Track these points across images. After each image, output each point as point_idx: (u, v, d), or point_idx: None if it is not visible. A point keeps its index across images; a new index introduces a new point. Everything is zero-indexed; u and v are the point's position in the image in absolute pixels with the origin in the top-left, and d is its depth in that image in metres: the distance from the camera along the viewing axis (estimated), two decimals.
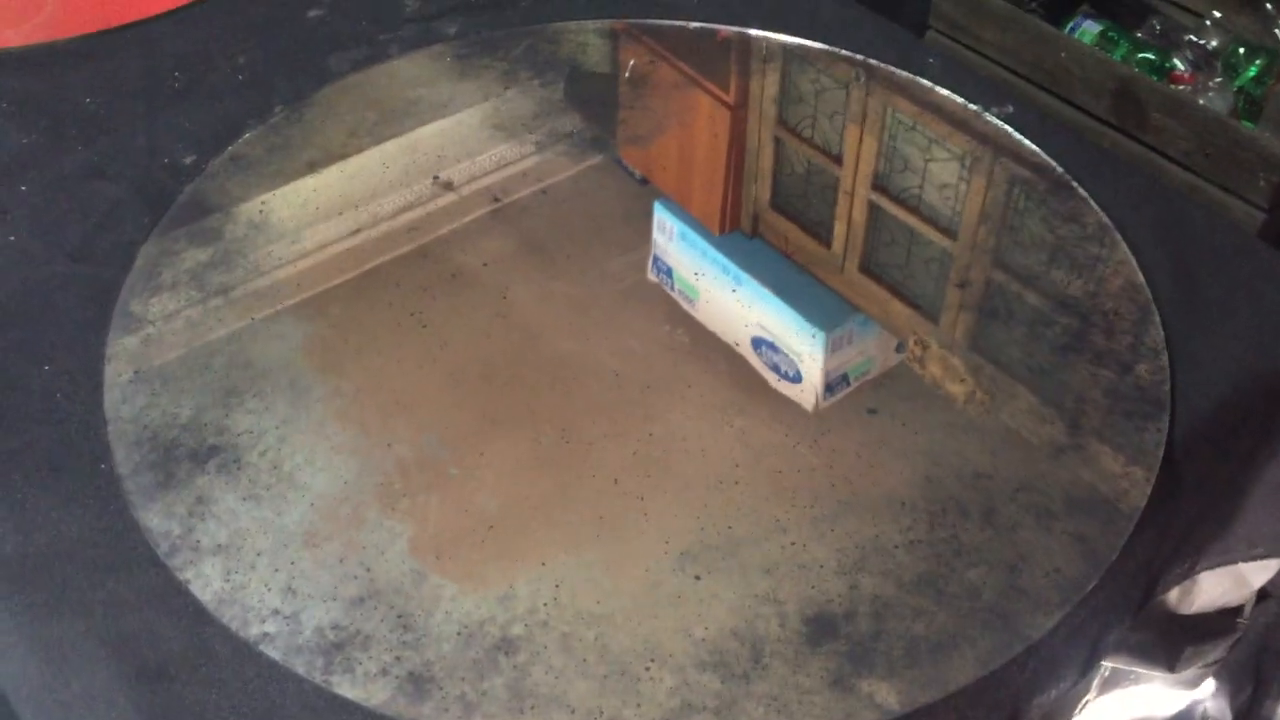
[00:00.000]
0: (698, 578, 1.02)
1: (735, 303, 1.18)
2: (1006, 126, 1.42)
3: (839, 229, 1.29)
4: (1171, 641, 1.46)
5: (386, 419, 1.14)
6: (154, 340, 1.20)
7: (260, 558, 1.02)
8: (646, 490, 1.08)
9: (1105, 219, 1.32)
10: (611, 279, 1.23)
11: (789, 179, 1.33)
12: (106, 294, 1.24)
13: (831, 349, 1.15)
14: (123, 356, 1.18)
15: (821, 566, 1.03)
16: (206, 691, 0.94)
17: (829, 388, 1.15)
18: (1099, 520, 1.07)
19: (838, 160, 1.34)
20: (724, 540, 1.05)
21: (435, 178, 1.26)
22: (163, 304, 1.23)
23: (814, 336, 1.15)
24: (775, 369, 1.14)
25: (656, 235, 1.24)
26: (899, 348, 1.20)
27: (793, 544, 1.05)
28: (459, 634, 0.98)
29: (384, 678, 0.95)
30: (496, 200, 1.24)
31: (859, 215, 1.30)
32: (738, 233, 1.27)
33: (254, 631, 0.97)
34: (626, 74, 1.47)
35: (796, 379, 1.13)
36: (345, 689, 0.94)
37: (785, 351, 1.14)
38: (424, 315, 1.22)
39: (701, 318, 1.19)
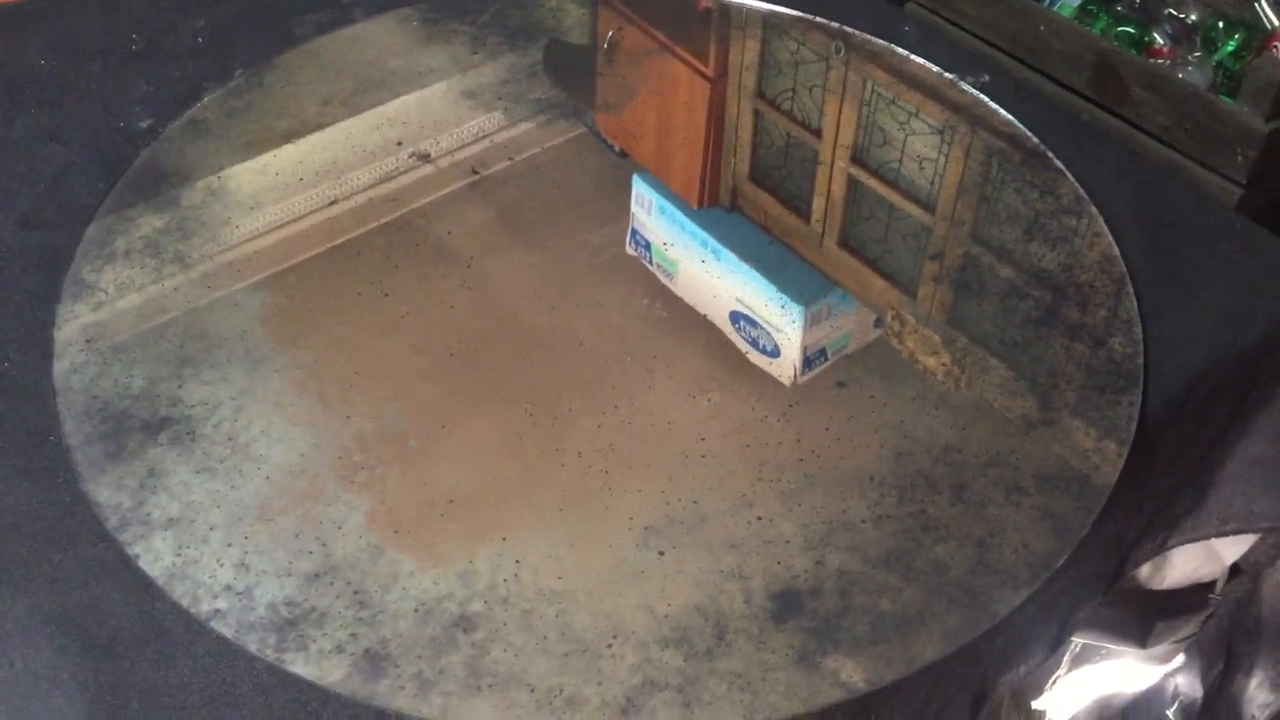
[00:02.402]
0: (661, 553, 1.00)
1: (713, 277, 1.16)
2: (984, 97, 1.39)
3: (818, 203, 1.27)
4: (1143, 617, 1.45)
5: (346, 391, 1.11)
6: (106, 309, 1.17)
7: (213, 532, 1.00)
8: (612, 465, 1.06)
9: (1081, 192, 1.30)
10: (589, 252, 1.20)
11: (768, 152, 1.31)
12: (57, 261, 1.21)
13: (810, 323, 1.13)
14: (74, 326, 1.15)
15: (788, 542, 1.01)
16: (155, 670, 0.91)
17: (807, 362, 1.13)
18: (1070, 496, 1.05)
19: (817, 133, 1.31)
20: (689, 516, 1.03)
21: (412, 152, 1.23)
22: (116, 272, 1.20)
23: (792, 311, 1.13)
24: (753, 344, 1.12)
25: (635, 208, 1.22)
26: (877, 323, 1.18)
27: (759, 519, 1.03)
28: (416, 611, 0.95)
29: (339, 655, 0.92)
30: (475, 173, 1.21)
31: (838, 189, 1.28)
32: (717, 206, 1.25)
33: (205, 608, 0.95)
34: (604, 43, 1.44)
35: (774, 353, 1.11)
36: (299, 667, 0.92)
37: (763, 326, 1.12)
38: (388, 286, 1.19)
39: (680, 292, 1.16)
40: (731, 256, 1.16)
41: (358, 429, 1.08)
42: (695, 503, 1.04)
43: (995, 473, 1.07)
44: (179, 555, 0.98)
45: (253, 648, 0.93)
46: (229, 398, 1.10)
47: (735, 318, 1.12)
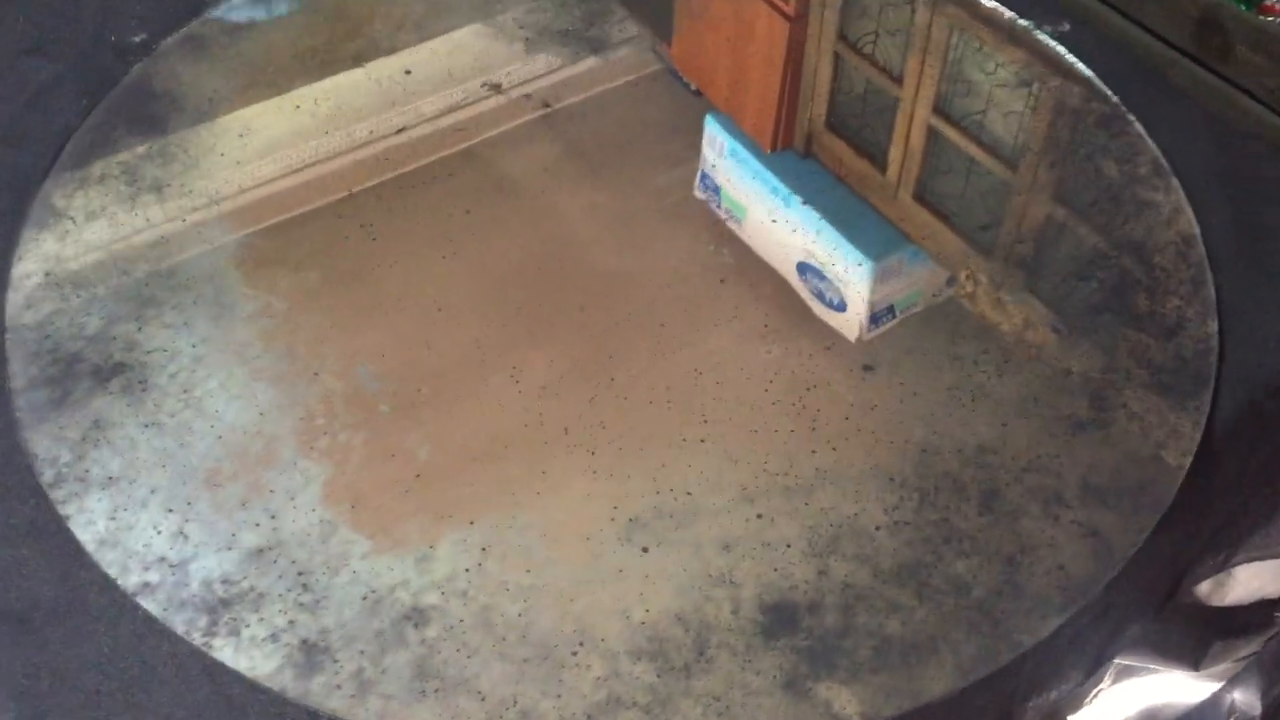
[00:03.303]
0: (645, 550, 0.89)
1: (782, 225, 1.07)
2: (1060, 48, 1.24)
3: (895, 153, 1.16)
4: (1198, 636, 1.31)
5: (318, 344, 1.01)
6: (72, 240, 1.07)
7: (153, 495, 0.91)
8: (600, 443, 0.95)
9: (1162, 160, 1.15)
10: (656, 194, 1.11)
11: (846, 98, 1.21)
12: (28, 183, 1.12)
13: (879, 278, 1.04)
14: (35, 256, 1.06)
15: (789, 546, 0.90)
16: (71, 645, 0.83)
17: (874, 319, 1.03)
18: (1118, 511, 0.92)
19: (898, 80, 1.20)
20: (680, 508, 0.91)
21: (484, 82, 1.14)
22: (88, 198, 1.11)
23: (861, 265, 1.04)
24: (819, 296, 1.03)
25: (706, 150, 1.13)
26: (949, 282, 1.07)
27: (759, 517, 0.91)
28: (365, 599, 0.86)
29: (273, 644, 0.83)
30: (547, 106, 1.12)
31: (917, 140, 1.16)
32: (790, 152, 1.16)
33: (134, 580, 0.86)
34: None
35: (840, 308, 1.03)
36: (227, 654, 0.82)
37: (830, 279, 1.03)
38: (376, 229, 1.08)
39: (747, 239, 1.08)
40: (802, 205, 1.08)
41: (325, 388, 0.98)
42: (689, 493, 0.92)
43: (1034, 480, 0.94)
44: (113, 519, 0.89)
45: (180, 629, 0.84)
46: (189, 345, 1.00)
47: (802, 269, 1.04)
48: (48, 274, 1.05)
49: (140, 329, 1.01)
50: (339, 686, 0.81)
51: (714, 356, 1.00)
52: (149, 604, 0.85)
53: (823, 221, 1.06)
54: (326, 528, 0.89)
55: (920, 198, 1.14)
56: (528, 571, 0.88)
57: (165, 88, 1.21)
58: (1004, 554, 0.89)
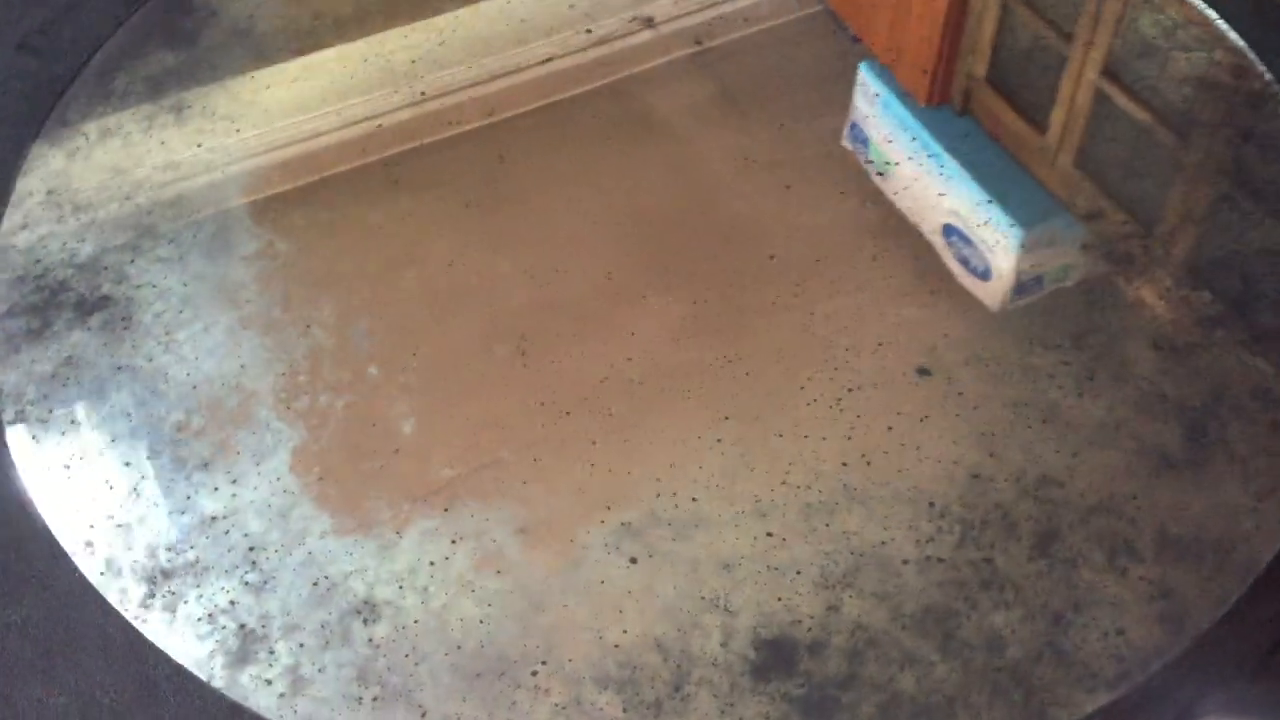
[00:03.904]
0: (633, 561, 0.78)
1: (931, 183, 0.98)
2: (1213, 14, 1.07)
3: (1057, 115, 1.04)
4: None
5: (315, 293, 0.92)
6: (81, 156, 1.01)
7: (113, 445, 0.84)
8: (603, 431, 0.84)
9: None
10: (801, 141, 1.01)
11: (1010, 53, 1.08)
12: (47, 94, 1.05)
13: (1028, 247, 0.95)
14: (41, 171, 1.00)
15: (799, 573, 0.78)
16: None
17: (1020, 288, 0.94)
18: (1200, 572, 0.78)
19: (1067, 37, 1.06)
20: (682, 515, 0.80)
21: (635, 15, 1.06)
22: (104, 115, 1.04)
23: (1010, 231, 0.95)
24: (964, 262, 0.94)
25: (858, 100, 1.05)
26: (1107, 257, 0.95)
27: (769, 535, 0.80)
28: (315, 584, 0.77)
29: (207, 625, 0.75)
30: (699, 43, 1.06)
31: (1083, 102, 1.03)
32: (946, 107, 1.07)
33: (74, 539, 0.79)
34: None
35: (986, 275, 0.94)
36: (157, 632, 0.75)
37: (977, 244, 0.95)
38: (405, 171, 0.98)
39: (892, 195, 0.99)
40: (954, 163, 1.00)
41: (314, 343, 0.89)
42: (694, 499, 0.81)
43: (1102, 523, 0.80)
44: (67, 467, 0.82)
45: (114, 598, 0.76)
46: (180, 283, 0.93)
47: (949, 231, 0.96)
48: (50, 192, 0.98)
49: (133, 260, 0.94)
50: (270, 682, 0.73)
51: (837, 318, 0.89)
52: (85, 565, 0.78)
53: (974, 183, 0.99)
54: (288, 499, 0.81)
55: (1081, 165, 1.01)
56: (498, 572, 0.78)
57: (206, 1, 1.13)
58: (1052, 609, 0.76)
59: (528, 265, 0.88)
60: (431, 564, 0.78)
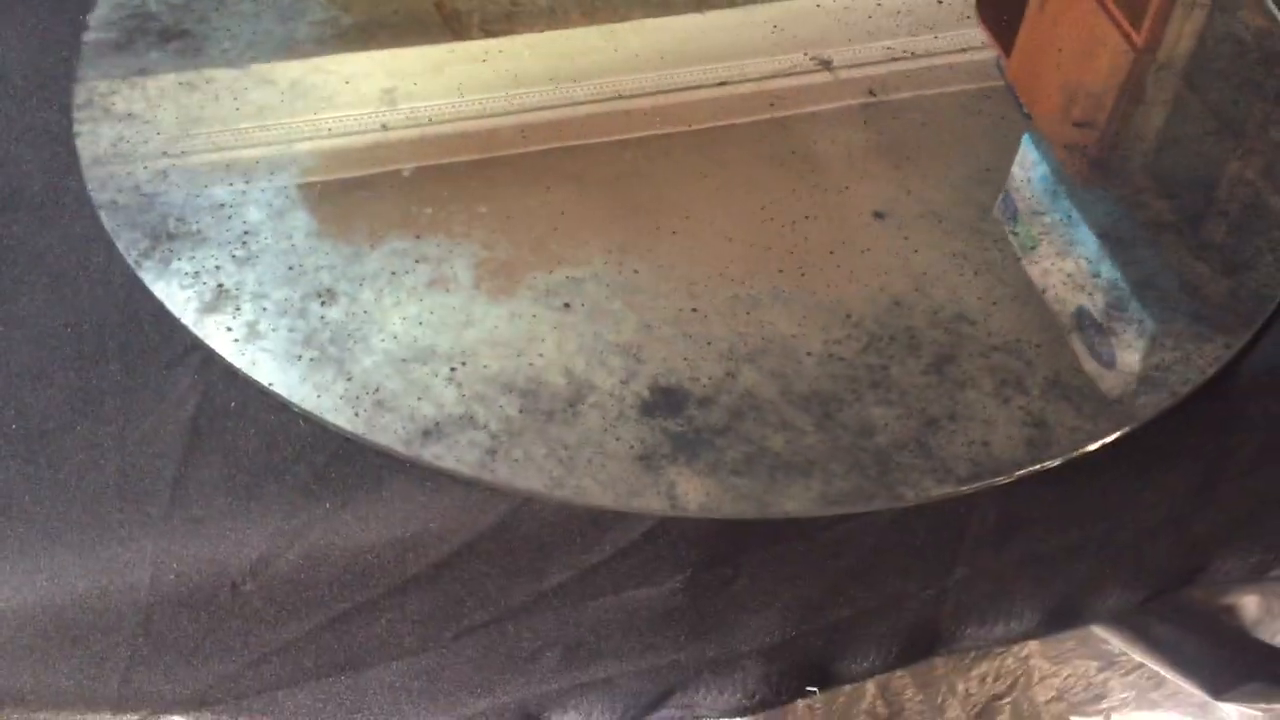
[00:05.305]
0: (567, 306, 0.87)
1: (1070, 266, 0.95)
2: None
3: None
4: (1230, 663, 1.18)
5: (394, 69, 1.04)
6: None
7: (158, 137, 0.96)
8: (571, 202, 0.93)
9: None
10: (949, 204, 0.99)
11: (1178, 148, 1.07)
12: None
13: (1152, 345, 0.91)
14: None
15: (709, 344, 0.85)
16: (27, 232, 0.89)
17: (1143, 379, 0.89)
18: (1079, 414, 0.83)
19: (1238, 133, 1.05)
20: (621, 280, 0.89)
21: (813, 55, 1.08)
22: None
23: (1142, 327, 0.91)
24: (1095, 354, 0.90)
25: (1015, 171, 1.03)
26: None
27: (694, 310, 0.87)
28: (290, 269, 0.88)
29: (191, 280, 0.87)
30: (872, 94, 1.06)
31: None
32: (1102, 189, 1.02)
33: (105, 197, 0.91)
34: None
35: (1111, 363, 0.89)
36: (149, 277, 0.86)
37: (1109, 334, 0.91)
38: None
39: (1031, 273, 0.95)
40: (1099, 250, 0.96)
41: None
42: (636, 272, 0.90)
43: (1000, 359, 0.86)
44: (115, 146, 0.95)
45: (121, 244, 0.88)
46: (251, 32, 1.05)
47: (1079, 314, 0.92)
48: None
49: (218, 9, 1.07)
50: (229, 329, 0.84)
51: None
52: (106, 218, 0.90)
53: (1118, 273, 0.95)
54: (286, 202, 0.92)
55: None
56: (447, 290, 0.87)
57: None
58: (929, 415, 0.82)
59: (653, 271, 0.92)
60: (392, 274, 0.88)
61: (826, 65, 1.10)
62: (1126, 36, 1.13)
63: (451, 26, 1.10)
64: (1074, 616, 0.97)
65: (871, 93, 1.07)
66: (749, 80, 1.08)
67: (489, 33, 1.09)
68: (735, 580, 0.83)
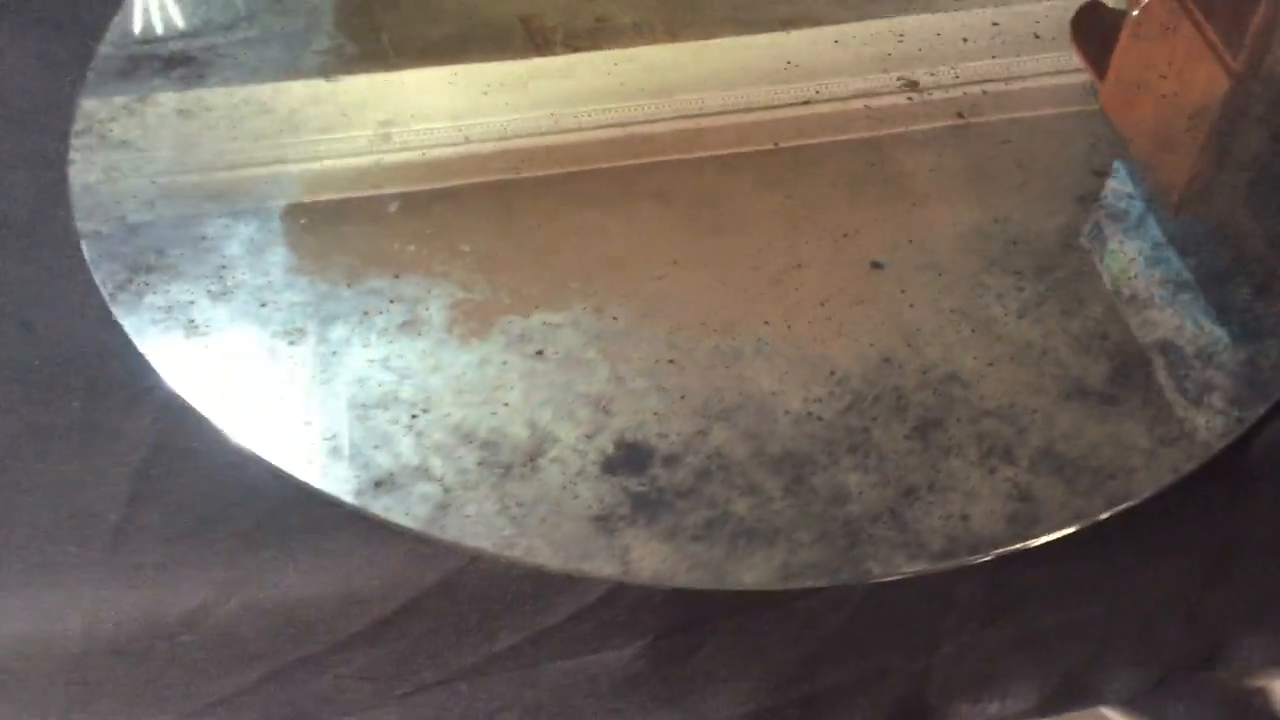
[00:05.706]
0: (539, 353, 0.84)
1: (1159, 297, 0.92)
2: None
3: None
4: None
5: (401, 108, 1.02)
6: None
7: (149, 165, 0.95)
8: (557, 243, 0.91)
9: None
10: (1036, 232, 0.96)
11: (1270, 177, 1.02)
12: None
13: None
14: None
15: (683, 398, 0.82)
16: (6, 260, 0.89)
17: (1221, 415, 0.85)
18: (1072, 489, 0.77)
19: None
20: (597, 327, 0.86)
21: (901, 76, 1.05)
22: None
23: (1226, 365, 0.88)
24: (1179, 387, 0.87)
25: (1106, 199, 1.00)
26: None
27: (671, 362, 0.84)
28: (264, 306, 0.86)
29: (164, 315, 0.86)
30: (961, 117, 1.03)
31: None
32: (1195, 219, 0.99)
33: (89, 226, 0.91)
34: (1135, 9, 1.17)
35: (1196, 398, 0.85)
36: (121, 311, 0.86)
37: (1191, 364, 0.87)
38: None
39: (1119, 300, 0.93)
40: (1185, 282, 0.93)
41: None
42: (615, 319, 0.86)
43: (990, 425, 0.81)
44: (105, 175, 0.95)
45: (98, 276, 0.88)
46: (256, 59, 1.04)
47: (1165, 348, 0.88)
48: None
49: (226, 35, 1.06)
50: (192, 367, 0.83)
51: None
52: (88, 248, 0.89)
53: (1206, 310, 0.92)
54: (269, 235, 0.91)
55: None
56: (419, 334, 0.85)
57: None
58: (907, 483, 0.77)
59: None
60: (365, 313, 0.86)
61: (914, 86, 1.03)
62: (1221, 59, 1.06)
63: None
64: (1079, 697, 0.91)
65: (960, 115, 1.02)
66: (833, 100, 1.04)
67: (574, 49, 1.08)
68: (700, 649, 0.79)
